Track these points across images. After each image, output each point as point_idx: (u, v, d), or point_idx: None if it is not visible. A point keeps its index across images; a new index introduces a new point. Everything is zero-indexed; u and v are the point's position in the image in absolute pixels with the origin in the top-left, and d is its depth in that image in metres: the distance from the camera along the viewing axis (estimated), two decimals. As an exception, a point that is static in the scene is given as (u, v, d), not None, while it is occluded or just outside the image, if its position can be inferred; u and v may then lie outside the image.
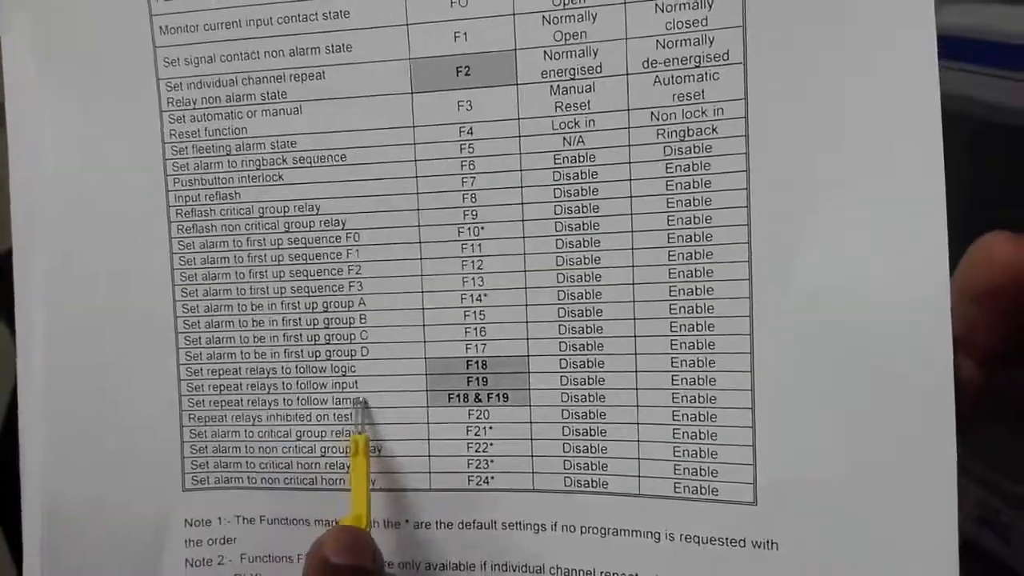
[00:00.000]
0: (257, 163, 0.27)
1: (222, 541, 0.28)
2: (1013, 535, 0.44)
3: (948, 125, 0.23)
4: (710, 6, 0.24)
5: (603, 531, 0.26)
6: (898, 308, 0.23)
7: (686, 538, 0.25)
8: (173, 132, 0.28)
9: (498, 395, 0.26)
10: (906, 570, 0.23)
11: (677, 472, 0.25)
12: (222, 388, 0.28)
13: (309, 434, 0.27)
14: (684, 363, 0.25)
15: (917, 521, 0.23)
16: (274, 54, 0.27)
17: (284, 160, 0.27)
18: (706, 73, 0.24)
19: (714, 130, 0.24)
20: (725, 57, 0.24)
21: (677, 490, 0.25)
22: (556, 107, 0.25)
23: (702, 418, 0.25)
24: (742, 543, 0.24)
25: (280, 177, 0.27)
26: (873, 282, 0.23)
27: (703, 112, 0.24)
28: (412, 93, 0.26)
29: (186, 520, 0.28)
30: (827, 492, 0.23)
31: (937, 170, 0.22)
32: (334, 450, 0.27)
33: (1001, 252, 0.22)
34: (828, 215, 0.23)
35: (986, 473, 0.45)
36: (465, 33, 0.25)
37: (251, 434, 0.28)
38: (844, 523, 0.23)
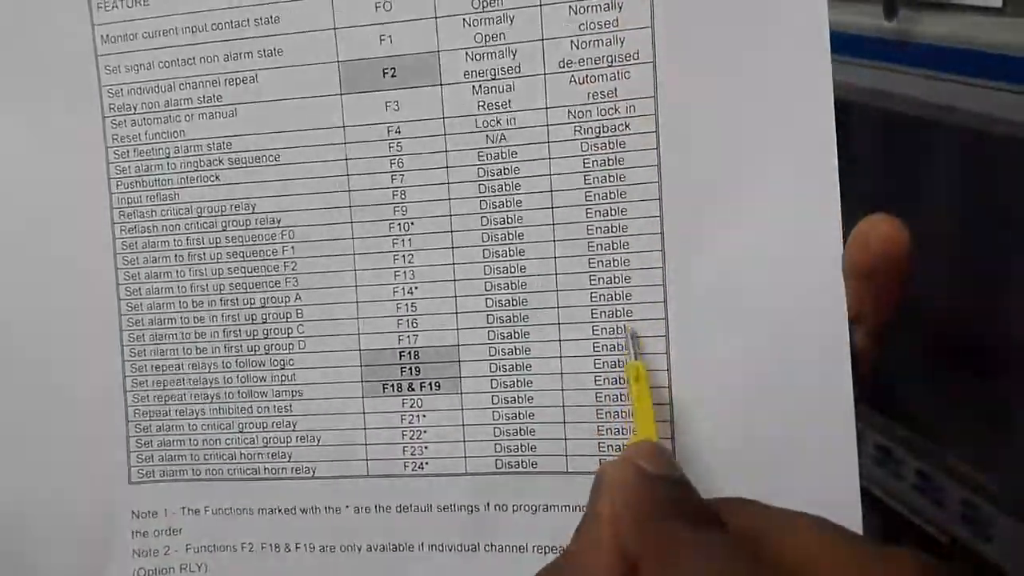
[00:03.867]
0: (195, 165, 0.28)
1: (168, 532, 0.29)
2: (995, 532, 0.45)
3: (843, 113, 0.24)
4: (620, 8, 0.25)
5: (534, 508, 0.27)
6: (797, 286, 0.24)
7: None
8: (115, 136, 0.29)
9: (430, 384, 0.27)
10: None
11: (602, 449, 0.26)
12: (166, 383, 0.29)
13: (251, 426, 0.28)
14: (605, 347, 0.26)
15: (822, 480, 0.24)
16: (209, 59, 0.28)
17: (221, 161, 0.28)
18: (618, 72, 0.25)
19: (627, 126, 0.25)
20: (635, 56, 0.25)
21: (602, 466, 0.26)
22: (479, 106, 0.26)
23: (623, 398, 0.26)
24: None
25: (217, 178, 0.28)
26: (774, 263, 0.24)
27: (616, 109, 0.25)
28: (341, 94, 0.27)
29: (133, 512, 0.29)
30: (735, 459, 0.25)
31: (831, 156, 0.24)
32: (275, 440, 0.28)
33: (879, 232, 0.23)
34: (732, 202, 0.25)
35: (969, 472, 0.46)
36: (390, 36, 0.27)
37: (194, 427, 0.29)
38: (756, 484, 0.25)
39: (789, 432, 0.24)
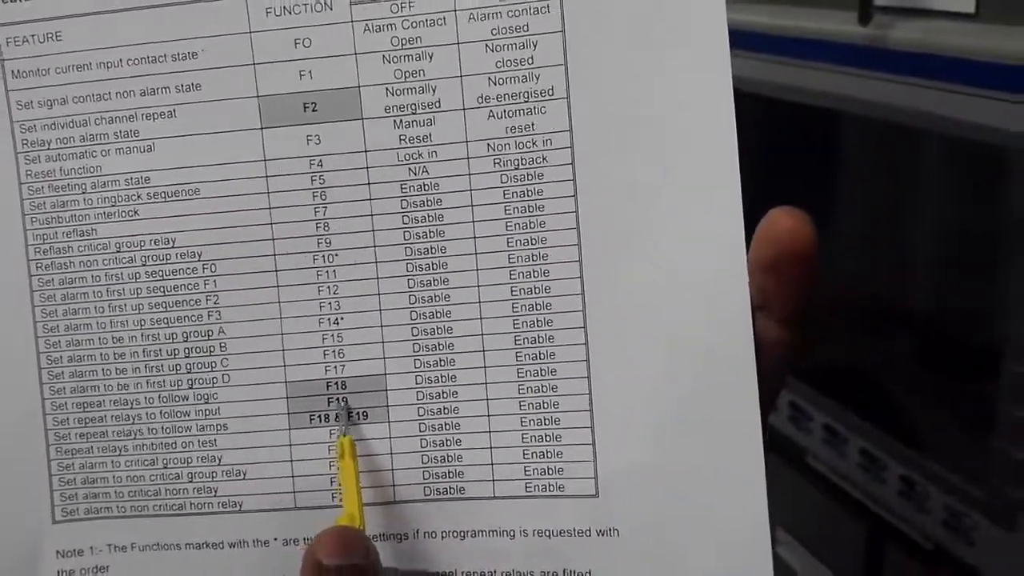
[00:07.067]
0: (112, 200, 0.28)
1: (95, 570, 0.29)
2: (977, 537, 0.46)
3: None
4: (535, 46, 0.26)
5: (462, 534, 0.27)
6: (705, 293, 0.25)
7: (537, 532, 0.27)
8: (29, 172, 0.28)
9: (358, 413, 0.28)
10: (726, 538, 0.25)
11: (527, 473, 0.27)
12: (87, 421, 0.28)
13: (175, 461, 0.28)
14: (529, 372, 0.27)
15: (730, 488, 0.25)
16: (125, 94, 0.28)
17: (139, 196, 0.28)
18: (534, 107, 0.26)
19: (544, 159, 0.26)
20: (550, 92, 0.26)
21: (528, 489, 0.27)
22: (400, 140, 0.27)
23: (547, 422, 0.27)
24: (587, 532, 0.26)
25: (136, 212, 0.28)
26: (684, 275, 0.26)
27: (534, 143, 0.26)
28: (262, 129, 0.27)
29: (58, 551, 0.29)
30: (657, 477, 0.26)
31: (733, 168, 0.25)
32: (201, 475, 0.28)
33: (782, 226, 0.24)
34: (645, 223, 0.26)
35: (951, 479, 0.48)
36: (310, 71, 0.27)
37: (118, 464, 0.28)
38: (673, 504, 0.26)
39: (699, 443, 0.26)
